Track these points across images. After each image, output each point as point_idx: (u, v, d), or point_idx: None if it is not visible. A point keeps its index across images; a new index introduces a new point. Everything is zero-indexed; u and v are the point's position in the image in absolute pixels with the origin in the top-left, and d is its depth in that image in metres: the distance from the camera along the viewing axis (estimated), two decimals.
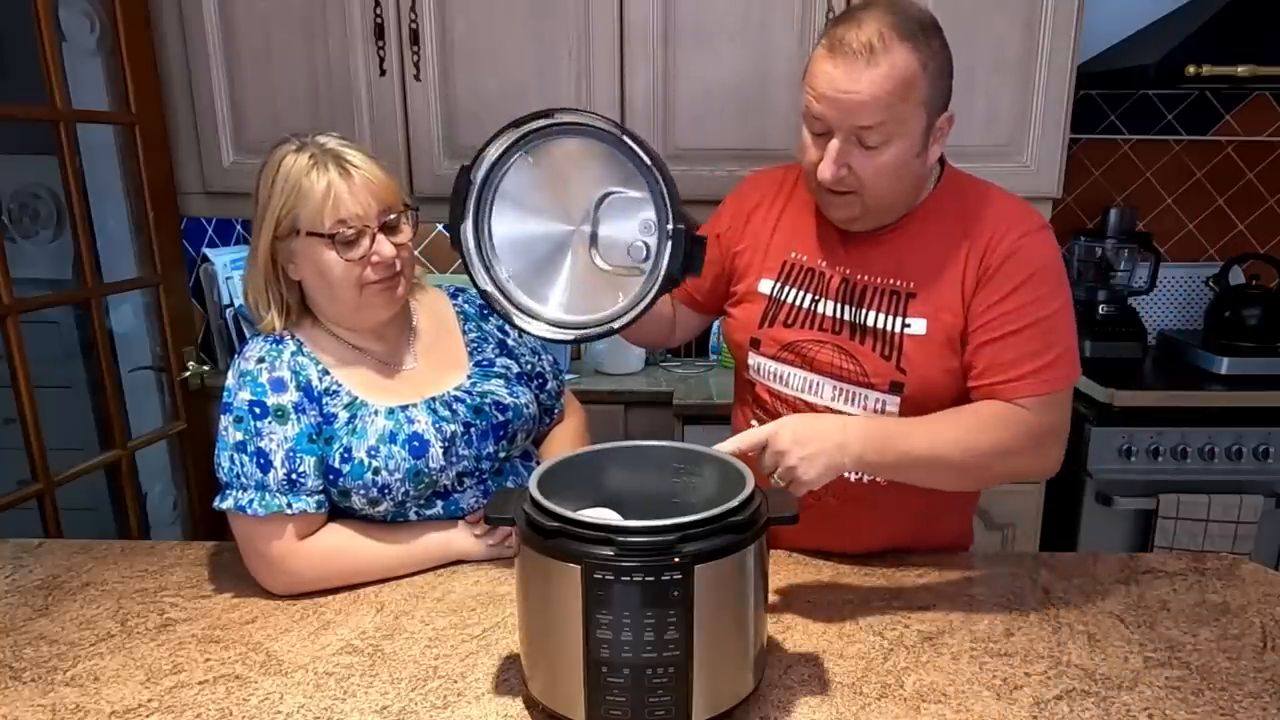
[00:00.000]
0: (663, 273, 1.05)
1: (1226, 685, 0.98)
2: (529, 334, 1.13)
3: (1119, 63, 2.31)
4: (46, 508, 1.85)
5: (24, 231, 2.59)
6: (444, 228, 1.15)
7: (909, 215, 1.22)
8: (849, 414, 1.23)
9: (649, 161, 1.04)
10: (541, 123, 1.07)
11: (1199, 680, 0.99)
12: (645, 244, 1.08)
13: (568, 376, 2.26)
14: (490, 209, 1.11)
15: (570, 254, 1.12)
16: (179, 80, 2.20)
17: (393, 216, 1.21)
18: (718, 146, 2.20)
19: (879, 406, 1.22)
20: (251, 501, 1.15)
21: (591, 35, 2.15)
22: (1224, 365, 2.32)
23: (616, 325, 1.09)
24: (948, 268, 1.19)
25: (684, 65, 2.16)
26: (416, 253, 1.31)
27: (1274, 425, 2.16)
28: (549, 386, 1.46)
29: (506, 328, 1.42)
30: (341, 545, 1.21)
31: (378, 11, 2.13)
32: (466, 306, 1.42)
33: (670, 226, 1.04)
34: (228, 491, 1.17)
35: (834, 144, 1.11)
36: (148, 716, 0.94)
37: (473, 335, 1.39)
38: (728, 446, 1.06)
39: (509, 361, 1.39)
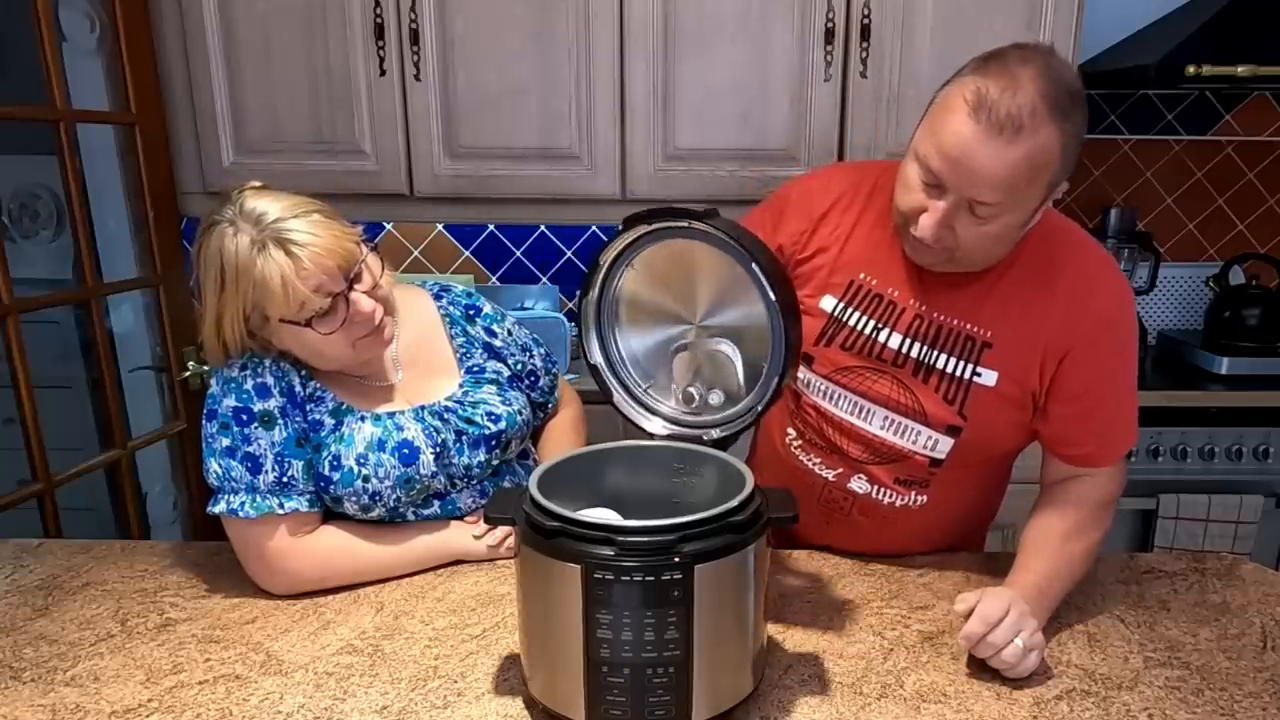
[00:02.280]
0: (771, 390, 1.02)
1: (1226, 685, 0.98)
2: (671, 437, 1.10)
3: (1119, 63, 2.31)
4: (46, 508, 1.85)
5: (24, 231, 2.59)
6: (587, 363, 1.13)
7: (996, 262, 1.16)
8: (894, 444, 1.21)
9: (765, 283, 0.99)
10: (641, 229, 1.04)
11: (1199, 680, 0.99)
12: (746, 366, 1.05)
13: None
14: (614, 329, 1.11)
15: (692, 352, 1.09)
16: (179, 80, 2.20)
17: (355, 269, 1.16)
18: (718, 146, 2.20)
19: (930, 443, 1.19)
20: (244, 504, 1.15)
21: (591, 35, 2.15)
22: (1224, 365, 2.32)
23: (760, 410, 1.04)
24: (1029, 321, 1.13)
25: (684, 65, 2.16)
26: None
27: (1274, 425, 2.16)
28: (541, 383, 1.44)
29: (494, 328, 1.40)
30: (341, 545, 1.21)
31: (378, 11, 2.13)
32: (452, 309, 1.38)
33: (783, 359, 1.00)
34: (219, 496, 1.17)
35: (942, 205, 1.03)
36: (148, 716, 0.94)
37: (460, 340, 1.36)
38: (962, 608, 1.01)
39: (499, 365, 1.37)
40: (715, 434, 1.06)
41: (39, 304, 2.03)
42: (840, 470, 1.26)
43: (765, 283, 0.98)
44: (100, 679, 1.00)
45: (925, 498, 1.24)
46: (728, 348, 1.06)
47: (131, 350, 2.30)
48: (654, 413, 1.12)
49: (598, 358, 1.11)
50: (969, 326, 1.15)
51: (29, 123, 2.09)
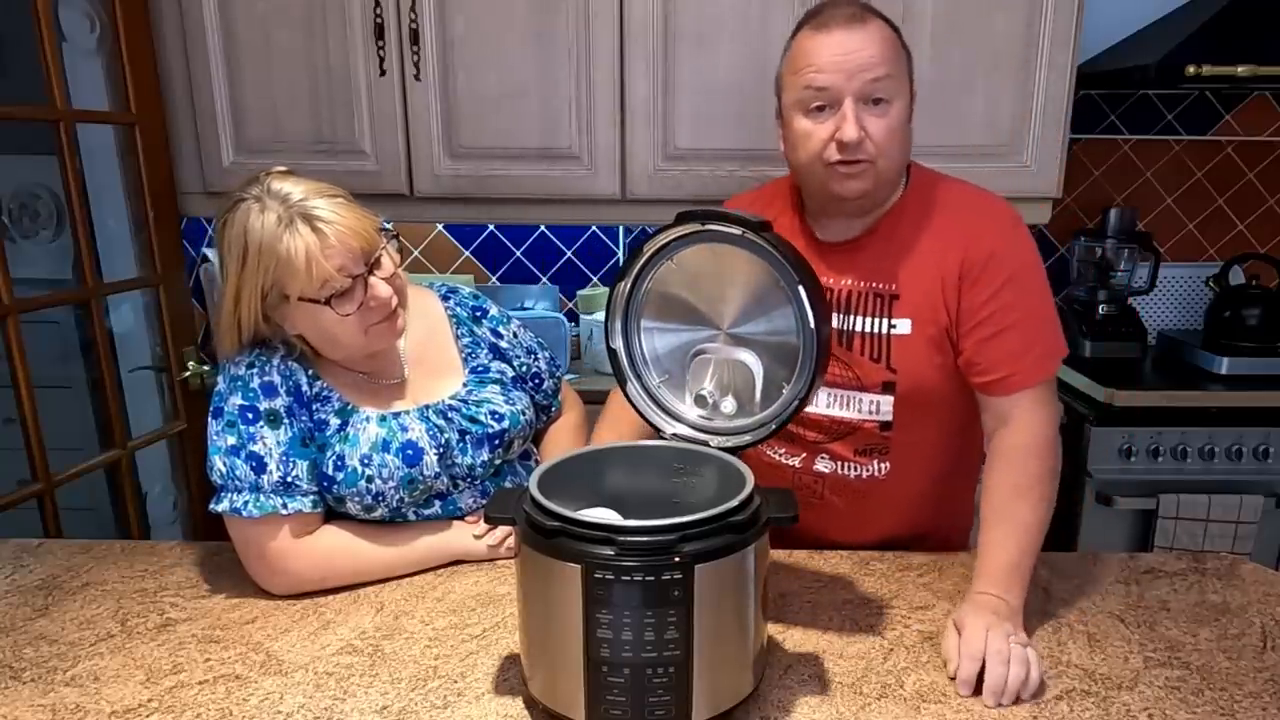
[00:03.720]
0: (804, 389, 1.02)
1: (1226, 685, 0.98)
2: (676, 436, 1.10)
3: (1119, 63, 2.31)
4: (46, 508, 1.84)
5: (24, 231, 2.59)
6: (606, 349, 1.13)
7: (883, 218, 1.24)
8: (843, 418, 1.25)
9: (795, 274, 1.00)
10: (683, 230, 1.04)
11: (1199, 680, 0.99)
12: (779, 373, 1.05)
13: (568, 377, 2.26)
14: (639, 320, 1.11)
15: (714, 358, 1.10)
16: (179, 80, 2.20)
17: (376, 255, 1.18)
18: (718, 146, 2.20)
19: (874, 407, 1.24)
20: (246, 503, 1.15)
21: (591, 35, 2.15)
22: (1224, 365, 2.31)
23: (774, 428, 1.05)
24: (928, 267, 1.21)
25: (684, 65, 2.15)
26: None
27: (1274, 425, 2.16)
28: (545, 385, 1.45)
29: (500, 330, 1.41)
30: (341, 545, 1.21)
31: (378, 11, 2.13)
32: (459, 310, 1.40)
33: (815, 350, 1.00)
34: (222, 495, 1.17)
35: (847, 106, 1.13)
36: (148, 716, 0.94)
37: (466, 340, 1.37)
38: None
39: (504, 366, 1.38)
40: (720, 442, 1.06)
41: (39, 304, 2.03)
42: (803, 455, 1.32)
43: (808, 307, 0.98)
44: (100, 679, 1.00)
45: (888, 464, 1.29)
46: (750, 358, 1.06)
47: (131, 350, 2.30)
48: (664, 410, 1.12)
49: (619, 344, 1.11)
50: (874, 284, 1.23)
51: (29, 123, 2.09)
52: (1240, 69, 2.08)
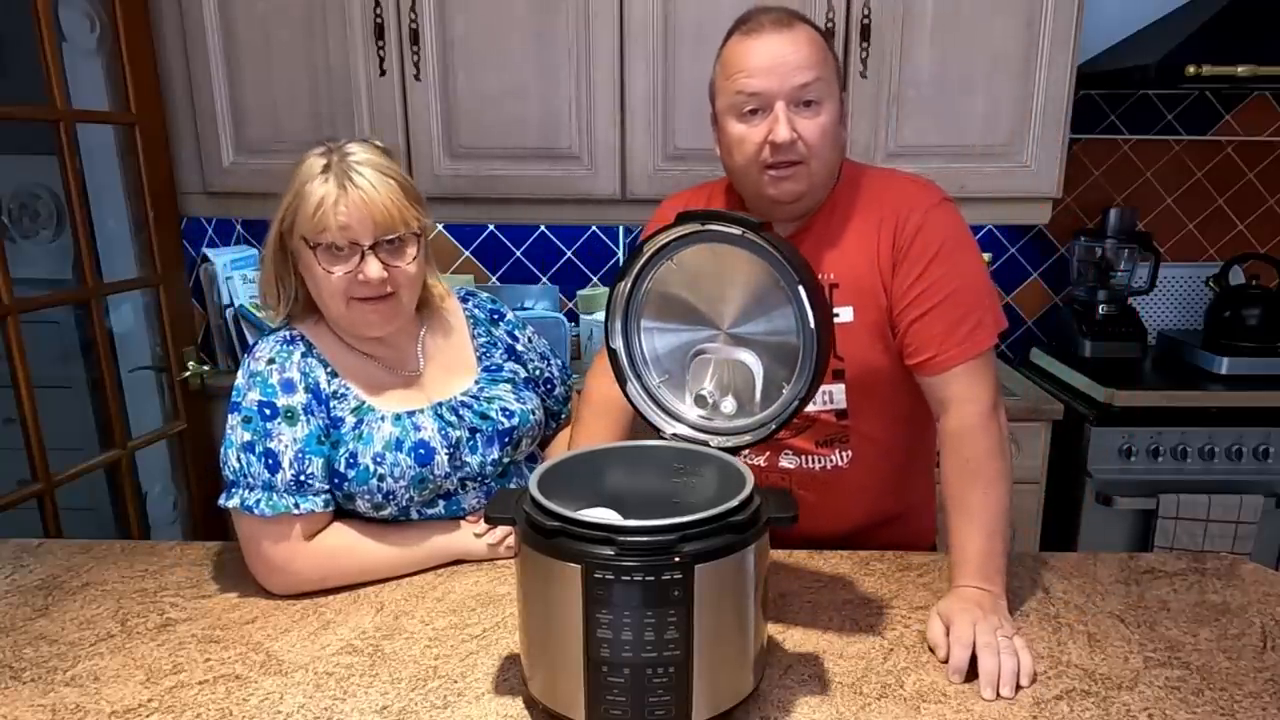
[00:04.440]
0: (806, 386, 1.01)
1: (1226, 685, 0.98)
2: (676, 436, 1.09)
3: (1119, 63, 2.31)
4: (46, 508, 1.85)
5: (24, 231, 2.59)
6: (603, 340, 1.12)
7: (818, 211, 1.26)
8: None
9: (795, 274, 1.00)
10: (682, 230, 1.04)
11: (1199, 680, 0.99)
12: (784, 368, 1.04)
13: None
14: (639, 320, 1.11)
15: (714, 358, 1.10)
16: (179, 80, 2.20)
17: (393, 238, 1.19)
18: None
19: (827, 397, 1.27)
20: (259, 501, 1.15)
21: (591, 35, 2.15)
22: (1224, 365, 2.32)
23: (774, 428, 1.04)
24: (863, 253, 1.24)
25: (684, 65, 2.16)
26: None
27: (1274, 425, 2.16)
28: (557, 391, 1.47)
29: (516, 333, 1.43)
30: (343, 545, 1.21)
31: (378, 11, 2.13)
32: (477, 312, 1.42)
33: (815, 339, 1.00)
34: (233, 490, 1.17)
35: (779, 108, 1.15)
36: (148, 716, 0.94)
37: (482, 340, 1.39)
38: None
39: (517, 366, 1.39)
40: (720, 442, 1.06)
41: (39, 304, 2.03)
42: (767, 453, 1.34)
43: (808, 307, 0.98)
44: (100, 679, 1.00)
45: (850, 452, 1.31)
46: (750, 359, 1.06)
47: (131, 350, 2.30)
48: (664, 410, 1.12)
49: (619, 343, 1.11)
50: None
51: (29, 123, 2.09)
52: (1240, 69, 2.08)
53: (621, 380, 1.12)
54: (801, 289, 0.98)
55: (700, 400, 1.09)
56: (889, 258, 1.22)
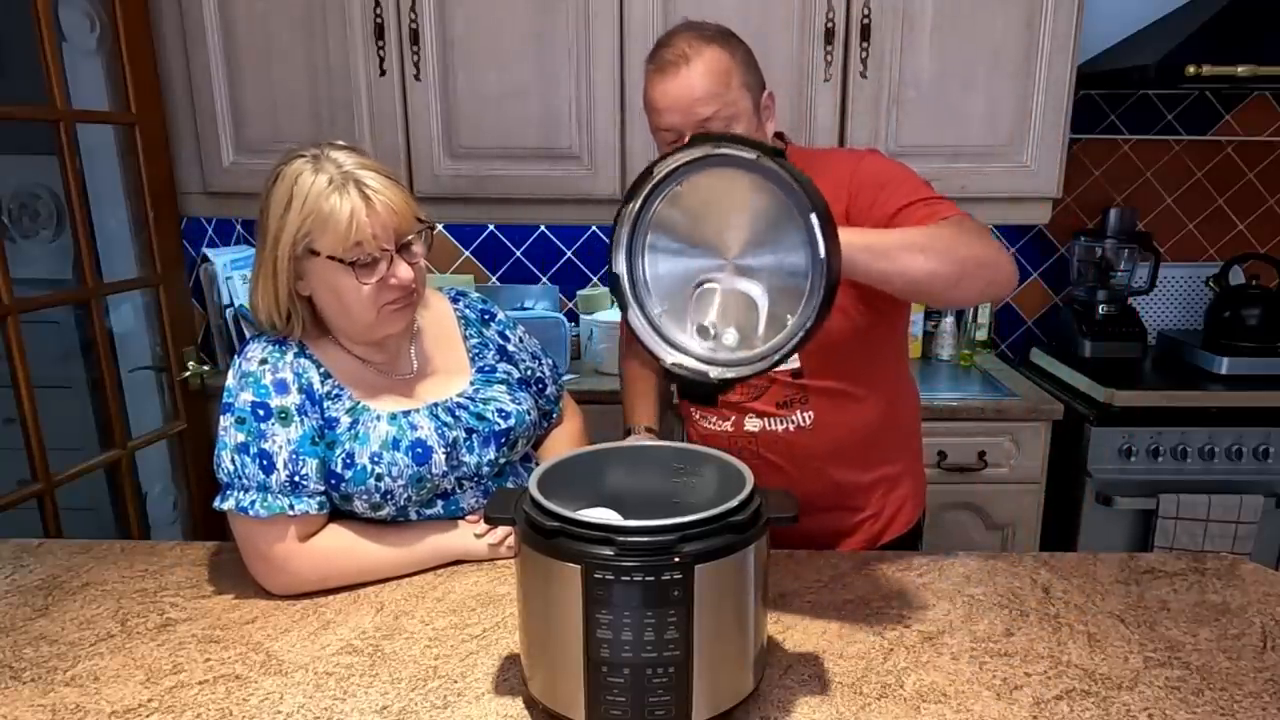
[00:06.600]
0: (814, 315, 0.98)
1: (1226, 685, 0.98)
2: (678, 369, 1.06)
3: (1119, 63, 2.31)
4: (46, 508, 1.85)
5: (24, 231, 2.59)
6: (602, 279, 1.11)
7: None
8: None
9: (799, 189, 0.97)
10: (692, 154, 1.01)
11: (1199, 680, 0.99)
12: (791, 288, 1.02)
13: (567, 376, 2.26)
14: (644, 246, 1.08)
15: (719, 288, 1.06)
16: (179, 80, 2.20)
17: (409, 238, 1.20)
18: None
19: None
20: (254, 503, 1.15)
21: (591, 35, 2.15)
22: (1224, 365, 2.32)
23: (776, 359, 1.01)
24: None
25: None
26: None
27: (1274, 425, 2.16)
28: (548, 391, 1.47)
29: (507, 333, 1.43)
30: (342, 546, 1.21)
31: (378, 11, 2.13)
32: (468, 312, 1.42)
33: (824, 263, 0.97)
34: (228, 492, 1.17)
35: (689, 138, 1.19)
36: (148, 716, 0.94)
37: (474, 341, 1.39)
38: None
39: (510, 367, 1.39)
40: (720, 373, 1.03)
41: (39, 304, 2.03)
42: (732, 418, 1.40)
43: (820, 236, 0.95)
44: (100, 679, 1.00)
45: (811, 414, 1.37)
46: (756, 290, 1.03)
47: (131, 350, 2.30)
48: (665, 338, 1.08)
49: (622, 268, 1.08)
50: None
51: (29, 123, 2.09)
52: (1240, 69, 2.08)
53: (623, 306, 1.10)
54: (814, 215, 0.95)
55: (703, 331, 1.06)
56: (842, 214, 1.24)
